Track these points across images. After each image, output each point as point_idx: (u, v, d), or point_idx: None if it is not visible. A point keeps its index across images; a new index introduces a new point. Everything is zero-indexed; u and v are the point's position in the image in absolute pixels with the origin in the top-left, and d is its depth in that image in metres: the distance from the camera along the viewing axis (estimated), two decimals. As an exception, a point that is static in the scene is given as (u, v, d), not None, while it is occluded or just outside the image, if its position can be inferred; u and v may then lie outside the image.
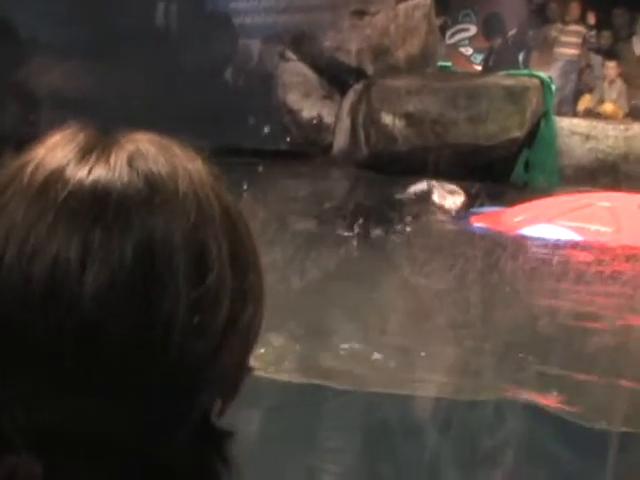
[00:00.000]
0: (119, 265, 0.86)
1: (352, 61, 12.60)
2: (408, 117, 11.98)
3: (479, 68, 15.27)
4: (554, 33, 14.55)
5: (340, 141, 12.64)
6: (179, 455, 0.90)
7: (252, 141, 11.95)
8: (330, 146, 12.65)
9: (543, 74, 12.63)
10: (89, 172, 0.88)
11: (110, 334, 0.86)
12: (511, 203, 9.57)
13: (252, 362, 0.93)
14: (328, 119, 12.70)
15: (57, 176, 0.88)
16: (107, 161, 0.89)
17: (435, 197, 9.37)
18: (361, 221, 8.50)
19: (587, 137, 12.52)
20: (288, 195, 10.29)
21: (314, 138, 12.67)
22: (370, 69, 12.60)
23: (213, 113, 11.64)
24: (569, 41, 14.50)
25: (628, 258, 7.84)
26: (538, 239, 8.10)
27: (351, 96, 12.59)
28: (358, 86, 12.52)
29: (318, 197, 10.15)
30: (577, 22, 14.64)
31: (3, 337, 0.87)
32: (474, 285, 6.59)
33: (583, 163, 12.42)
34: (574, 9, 14.58)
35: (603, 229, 8.45)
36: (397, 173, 10.77)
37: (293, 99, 12.71)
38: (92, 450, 0.88)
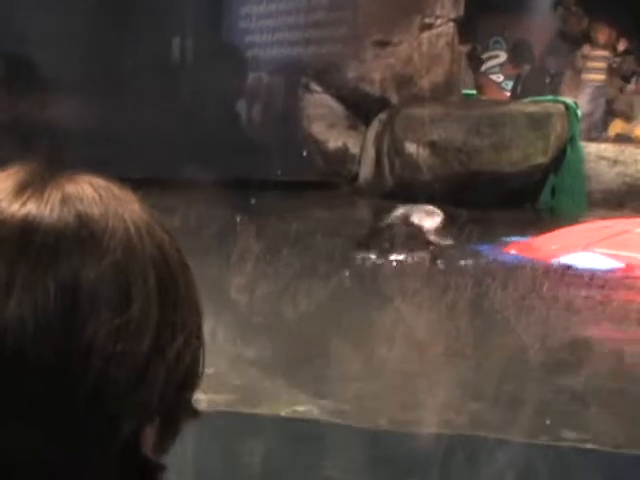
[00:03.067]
0: (42, 296, 0.89)
1: (376, 91, 12.59)
2: (432, 146, 11.96)
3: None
4: (581, 59, 14.53)
5: (365, 171, 12.63)
6: None
7: (279, 173, 11.94)
8: (356, 176, 12.64)
9: (568, 99, 12.59)
10: (21, 205, 0.92)
11: (30, 361, 0.89)
12: (541, 230, 9.49)
13: (198, 405, 0.95)
14: (353, 149, 12.69)
15: None
16: (41, 197, 0.93)
17: (414, 219, 9.25)
18: (387, 245, 8.46)
19: (615, 162, 12.46)
20: (318, 225, 10.28)
21: (340, 168, 12.66)
22: (394, 98, 12.58)
23: (239, 147, 11.64)
24: (596, 66, 14.47)
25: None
26: (579, 267, 8.02)
27: (376, 126, 12.58)
28: (382, 116, 12.51)
29: (340, 227, 10.12)
30: (604, 47, 14.62)
31: None
32: (532, 313, 6.50)
33: (611, 188, 12.36)
34: (601, 35, 14.58)
35: (642, 256, 8.38)
36: (423, 202, 10.73)
37: (318, 130, 12.71)
38: (14, 473, 0.90)
